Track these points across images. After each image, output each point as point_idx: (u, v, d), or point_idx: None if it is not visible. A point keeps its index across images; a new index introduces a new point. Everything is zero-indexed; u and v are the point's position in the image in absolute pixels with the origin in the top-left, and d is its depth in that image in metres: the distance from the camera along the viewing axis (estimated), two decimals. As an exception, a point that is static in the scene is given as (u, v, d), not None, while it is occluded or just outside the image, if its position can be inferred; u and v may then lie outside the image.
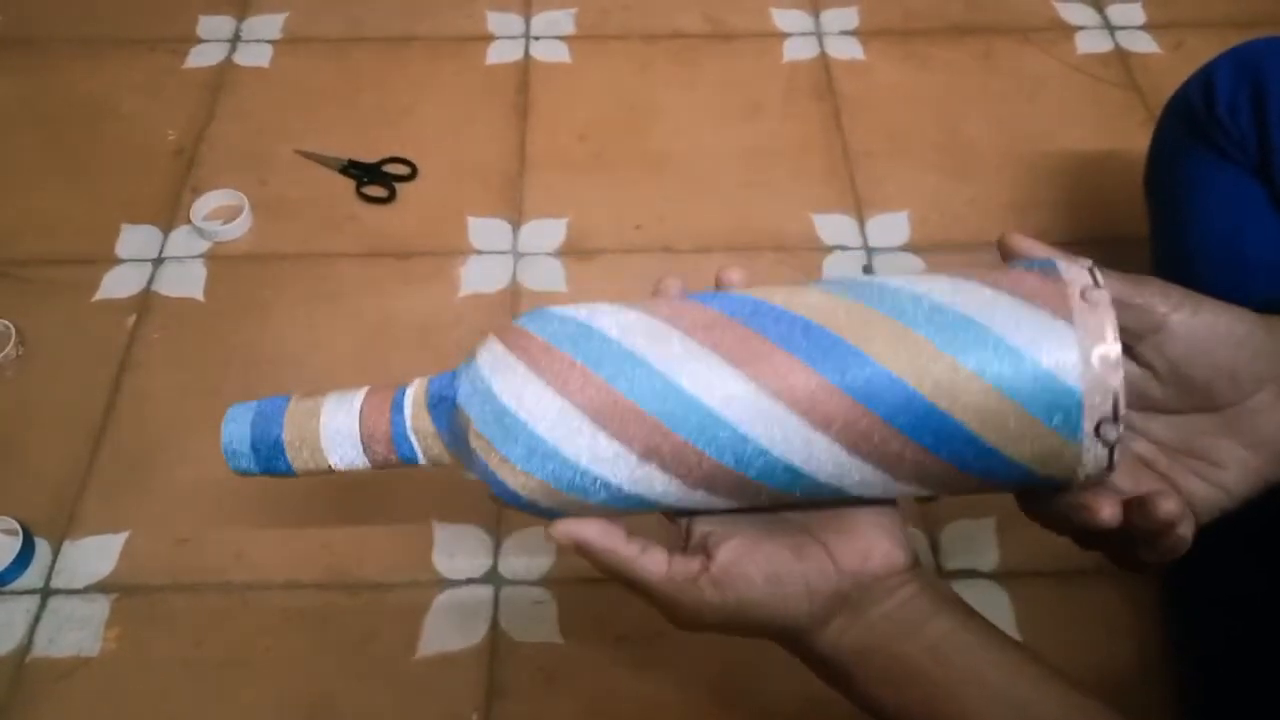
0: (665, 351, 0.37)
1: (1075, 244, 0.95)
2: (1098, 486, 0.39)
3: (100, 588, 0.76)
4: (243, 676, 0.72)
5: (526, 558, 0.77)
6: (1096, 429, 0.35)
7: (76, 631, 0.74)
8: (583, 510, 0.40)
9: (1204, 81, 0.69)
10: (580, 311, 0.40)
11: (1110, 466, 0.37)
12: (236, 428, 0.42)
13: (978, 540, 0.78)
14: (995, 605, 0.75)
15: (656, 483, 0.38)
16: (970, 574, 0.77)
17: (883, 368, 0.36)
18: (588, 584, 0.75)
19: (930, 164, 1.03)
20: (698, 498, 0.39)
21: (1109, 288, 0.37)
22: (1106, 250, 0.94)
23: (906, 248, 0.96)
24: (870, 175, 1.02)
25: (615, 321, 0.39)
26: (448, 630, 0.74)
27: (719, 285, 0.44)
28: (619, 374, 0.37)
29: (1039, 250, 0.40)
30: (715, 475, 0.38)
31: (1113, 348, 0.35)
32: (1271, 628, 0.60)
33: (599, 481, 0.38)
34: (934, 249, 0.96)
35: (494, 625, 0.74)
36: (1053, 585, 0.76)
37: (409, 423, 0.42)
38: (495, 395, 0.38)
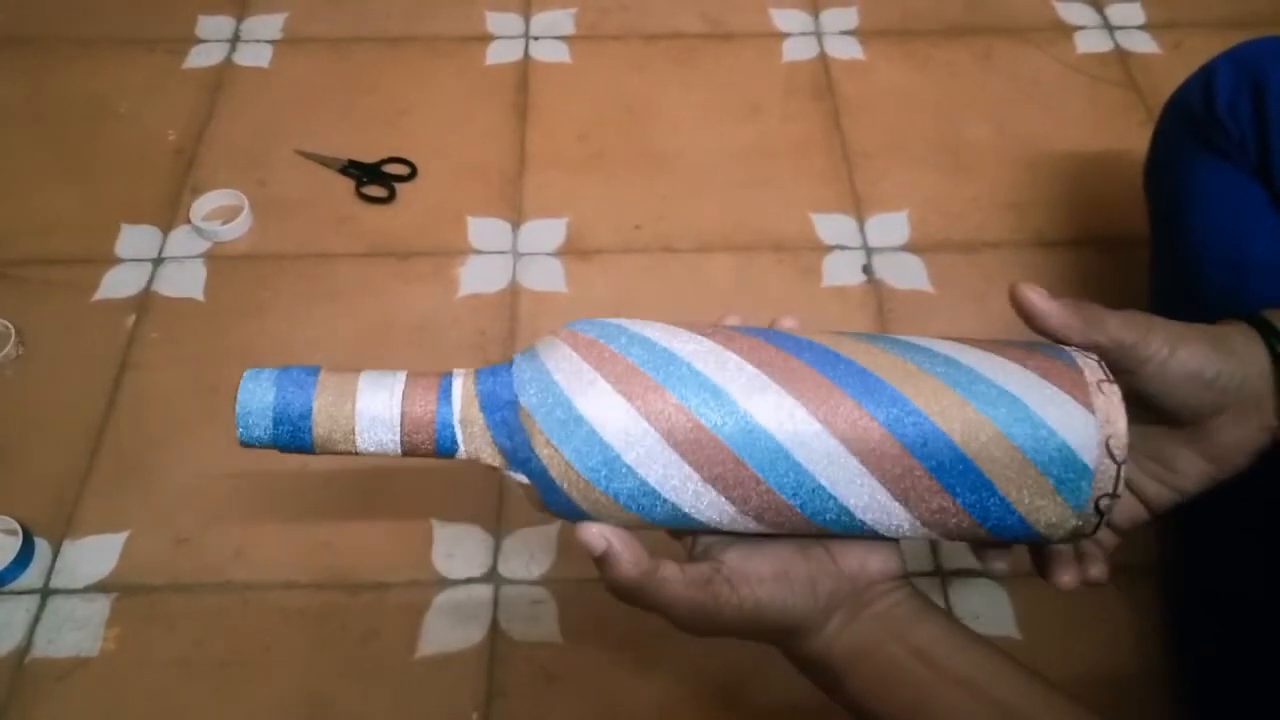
0: (739, 384, 0.39)
1: (1075, 244, 0.96)
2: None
3: (100, 587, 0.76)
4: (243, 676, 0.72)
5: (526, 557, 0.77)
6: (1097, 502, 0.39)
7: (76, 631, 0.74)
8: (627, 521, 0.41)
9: (1203, 81, 0.69)
10: (651, 331, 0.40)
11: (1094, 532, 0.40)
12: (257, 393, 0.40)
13: (977, 540, 0.78)
14: (995, 605, 0.75)
15: (713, 507, 0.40)
16: (970, 574, 0.77)
17: (936, 424, 0.38)
18: (588, 584, 0.75)
19: (930, 164, 1.03)
20: (741, 522, 0.41)
21: (1107, 324, 0.41)
22: (1105, 251, 0.95)
23: (906, 247, 0.96)
24: (870, 175, 1.02)
25: (692, 349, 0.40)
26: (448, 630, 0.74)
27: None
28: (701, 403, 0.38)
29: (1047, 305, 0.42)
30: (768, 504, 0.39)
31: (1122, 437, 0.39)
32: (1271, 628, 0.61)
33: (666, 503, 0.39)
34: (933, 249, 0.96)
35: (494, 625, 0.74)
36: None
37: (457, 414, 0.40)
38: (573, 406, 0.38)
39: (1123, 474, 0.39)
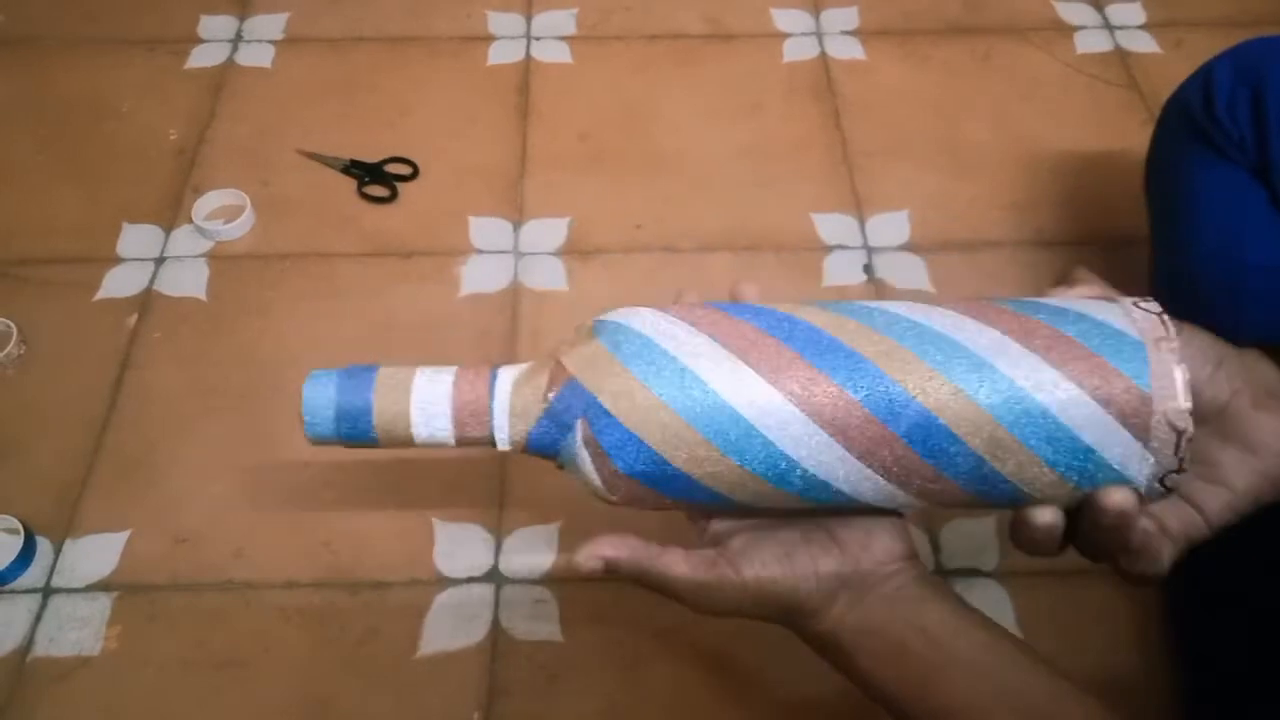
0: (716, 367, 0.40)
1: (1076, 244, 0.96)
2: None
3: (101, 587, 0.76)
4: (243, 676, 0.72)
5: (527, 556, 0.77)
6: (1162, 480, 0.39)
7: (77, 631, 0.74)
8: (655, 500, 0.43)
9: (1203, 81, 0.69)
10: (668, 345, 0.41)
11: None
12: (320, 392, 0.43)
13: (978, 539, 0.78)
14: (996, 605, 0.75)
15: (718, 491, 0.41)
16: (971, 573, 0.77)
17: (917, 400, 0.39)
18: (589, 582, 0.75)
19: (930, 164, 1.03)
20: (737, 497, 0.42)
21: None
22: (1105, 250, 0.95)
23: (906, 247, 0.96)
24: (870, 175, 1.02)
25: (708, 363, 0.41)
26: (448, 629, 0.74)
27: (733, 299, 0.46)
28: (702, 412, 0.40)
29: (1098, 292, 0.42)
30: (745, 481, 0.41)
31: (1174, 477, 0.38)
32: (1272, 628, 0.61)
33: (692, 484, 0.41)
34: (934, 249, 0.96)
35: (495, 624, 0.74)
36: (1053, 585, 0.76)
37: (506, 402, 0.43)
38: (610, 415, 0.40)
39: (1184, 444, 0.37)
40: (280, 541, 0.78)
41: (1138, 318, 0.39)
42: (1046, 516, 0.40)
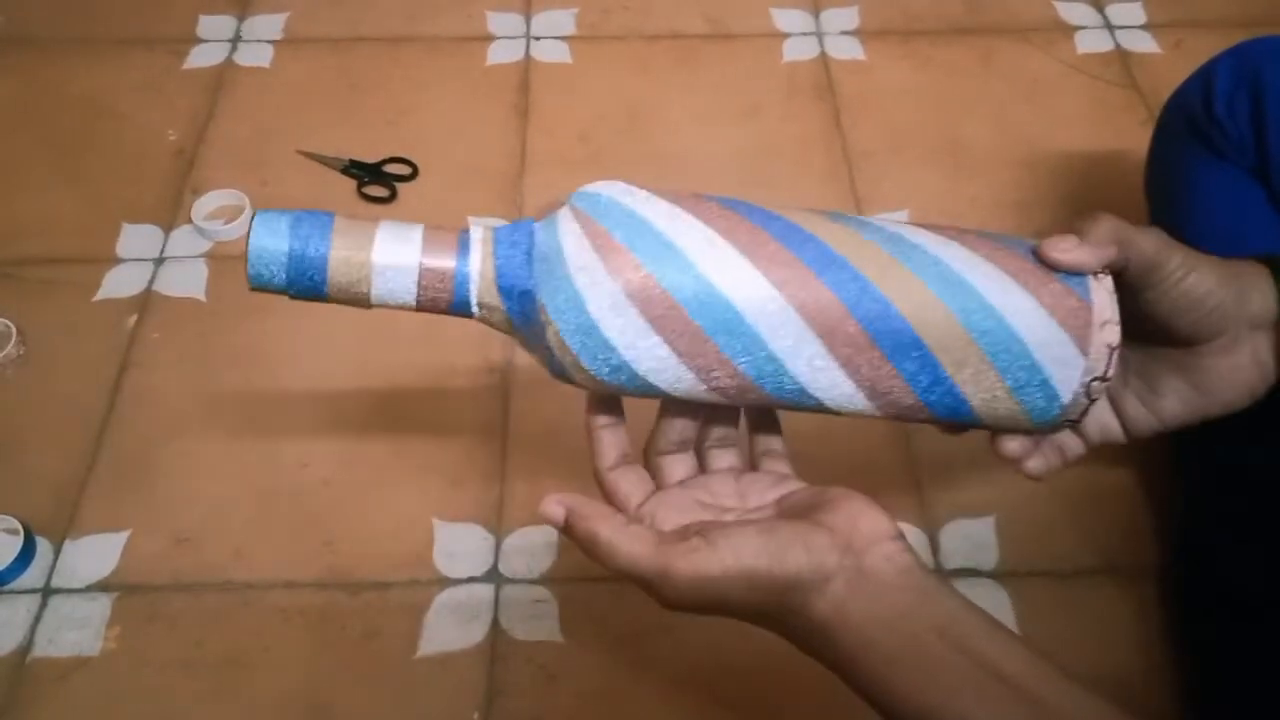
0: (708, 255, 0.40)
1: (1075, 244, 0.95)
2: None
3: (101, 587, 0.76)
4: (243, 676, 0.72)
5: (527, 556, 0.77)
6: (1058, 424, 0.43)
7: (77, 631, 0.74)
8: (611, 392, 0.43)
9: (1202, 82, 0.69)
10: (659, 220, 0.41)
11: (1051, 432, 0.45)
12: (270, 232, 0.39)
13: (978, 539, 0.78)
14: (996, 605, 0.75)
15: (679, 379, 0.41)
16: (971, 573, 0.77)
17: (895, 305, 0.40)
18: (589, 583, 0.76)
19: (930, 163, 1.03)
20: (706, 394, 0.42)
21: (1138, 241, 0.43)
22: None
23: (907, 247, 0.96)
24: (870, 175, 1.02)
25: (672, 221, 0.41)
26: (448, 629, 0.74)
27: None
28: (666, 269, 0.39)
29: (1080, 256, 0.43)
30: (728, 374, 0.41)
31: (1104, 383, 0.41)
32: (1271, 628, 0.60)
33: (639, 378, 0.41)
34: (934, 249, 0.96)
35: (495, 624, 0.74)
36: (1053, 585, 0.76)
37: (474, 276, 0.40)
38: (579, 295, 0.39)
39: (1090, 410, 0.42)
40: (280, 541, 0.78)
41: (1092, 285, 0.43)
42: (1014, 445, 0.46)
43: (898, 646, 0.39)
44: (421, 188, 1.01)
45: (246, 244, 0.39)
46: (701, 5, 1.18)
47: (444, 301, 0.41)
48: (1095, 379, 0.41)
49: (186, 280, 0.94)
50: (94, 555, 0.77)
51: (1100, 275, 0.42)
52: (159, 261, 0.95)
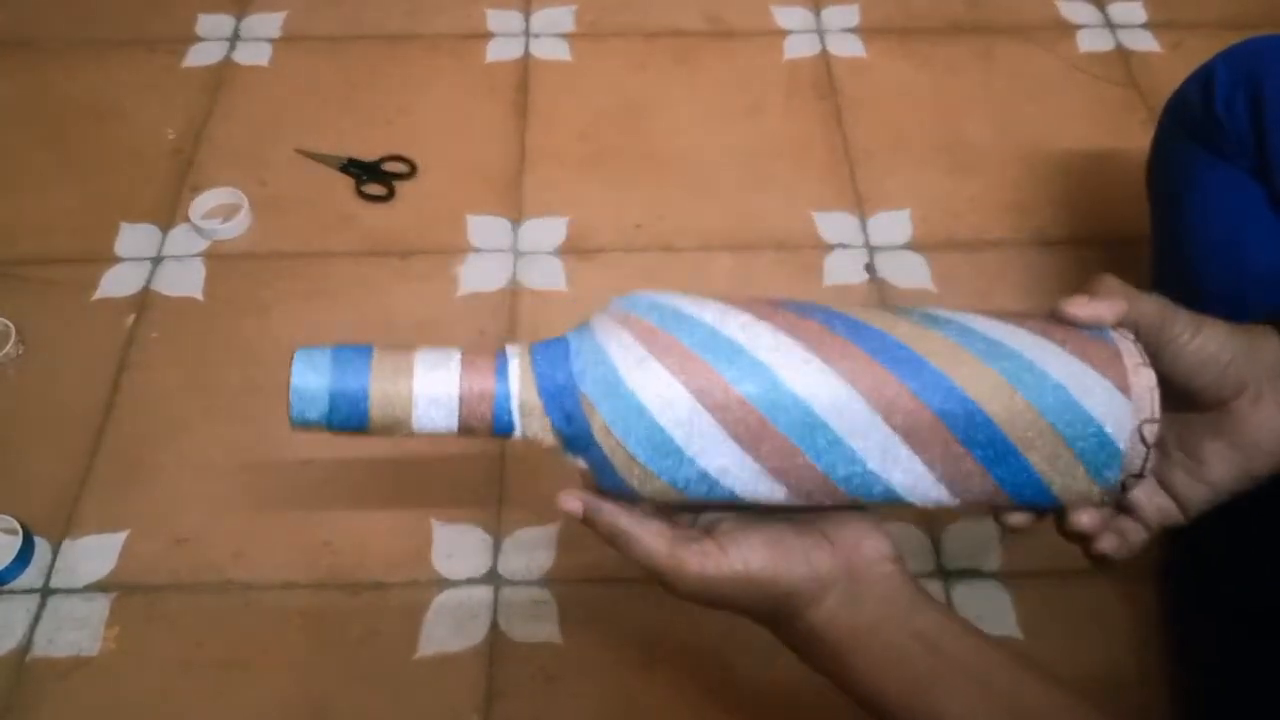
0: (786, 362, 0.39)
1: (1076, 243, 0.96)
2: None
3: (100, 587, 0.76)
4: (243, 676, 0.72)
5: (526, 557, 0.77)
6: (1123, 482, 0.41)
7: (76, 631, 0.74)
8: (682, 502, 0.42)
9: (1202, 81, 0.68)
10: (704, 313, 0.40)
11: (1107, 503, 0.43)
12: (311, 372, 0.39)
13: (979, 540, 0.78)
14: (997, 605, 0.75)
15: (765, 489, 0.40)
16: (972, 574, 0.77)
17: (973, 399, 0.39)
18: (588, 584, 0.75)
19: (931, 162, 1.03)
20: (791, 500, 0.41)
21: (1141, 304, 0.42)
22: (1106, 250, 0.95)
23: (908, 246, 0.96)
24: (871, 173, 1.02)
25: (740, 329, 0.40)
26: (448, 630, 0.74)
27: None
28: (758, 389, 0.39)
29: (1094, 311, 0.43)
30: (815, 482, 0.40)
31: (1155, 424, 0.40)
32: (1270, 631, 0.60)
33: (723, 488, 0.40)
34: (935, 247, 0.96)
35: (494, 625, 0.74)
36: (1054, 585, 0.76)
37: (515, 396, 0.40)
38: (635, 398, 0.38)
39: (1150, 456, 0.40)
40: (280, 542, 0.78)
41: (1116, 337, 0.42)
42: (1085, 519, 0.43)
43: (879, 651, 0.42)
44: (420, 186, 1.01)
45: (289, 383, 0.39)
46: (701, 2, 1.18)
47: (485, 425, 0.40)
48: (1145, 420, 0.40)
49: (184, 279, 0.94)
50: (93, 555, 0.77)
51: (1119, 330, 0.42)
52: (157, 261, 0.95)
